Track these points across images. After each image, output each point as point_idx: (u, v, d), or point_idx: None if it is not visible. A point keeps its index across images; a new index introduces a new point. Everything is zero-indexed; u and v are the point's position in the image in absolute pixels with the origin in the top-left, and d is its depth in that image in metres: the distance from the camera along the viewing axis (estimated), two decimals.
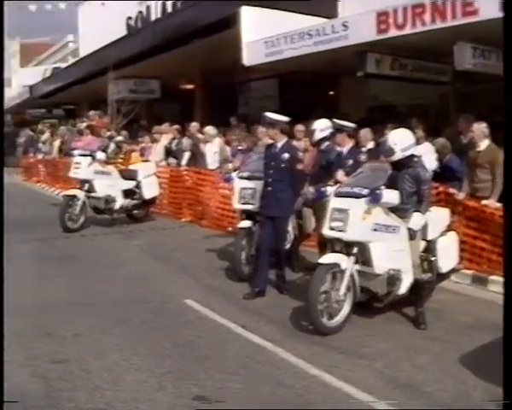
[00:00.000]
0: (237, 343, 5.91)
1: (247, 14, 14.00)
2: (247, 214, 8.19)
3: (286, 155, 7.48)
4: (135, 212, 12.83)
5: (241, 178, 8.37)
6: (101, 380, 5.06)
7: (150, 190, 12.70)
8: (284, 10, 14.13)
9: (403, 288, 6.35)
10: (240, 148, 11.74)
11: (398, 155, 6.41)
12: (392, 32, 10.77)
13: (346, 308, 6.20)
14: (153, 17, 22.62)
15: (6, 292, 7.70)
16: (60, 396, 4.78)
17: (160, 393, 4.81)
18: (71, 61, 35.36)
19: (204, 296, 7.39)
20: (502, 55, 4.29)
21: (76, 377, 5.14)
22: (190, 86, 21.76)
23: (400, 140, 6.46)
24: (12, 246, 10.71)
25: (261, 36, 13.67)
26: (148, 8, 23.86)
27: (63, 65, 36.28)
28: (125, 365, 5.37)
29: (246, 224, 8.12)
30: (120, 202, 12.29)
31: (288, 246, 8.04)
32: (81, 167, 12.15)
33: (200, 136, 13.24)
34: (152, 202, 12.99)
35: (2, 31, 4.78)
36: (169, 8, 21.43)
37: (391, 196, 6.18)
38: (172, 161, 14.04)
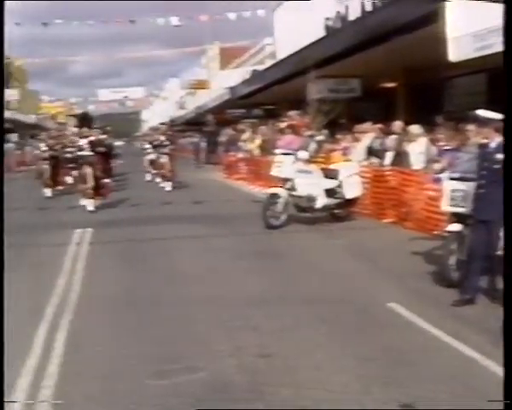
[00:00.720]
0: (445, 352, 5.63)
1: (452, 8, 13.47)
2: (458, 217, 7.82)
3: (500, 156, 7.03)
4: (336, 211, 12.76)
5: (452, 179, 8.01)
6: (307, 378, 5.04)
7: (352, 189, 12.61)
8: (492, 1, 13.39)
9: None
10: (447, 147, 11.26)
11: None
12: None
13: None
14: (351, 16, 22.56)
15: (212, 283, 8.09)
16: (265, 390, 4.83)
17: (367, 397, 4.68)
18: (268, 63, 36.28)
19: (410, 301, 7.13)
20: None
21: (281, 372, 5.16)
22: (392, 84, 21.41)
23: None
24: (215, 240, 11.26)
25: (467, 30, 13.07)
26: (346, 7, 23.86)
27: (261, 67, 37.38)
28: (331, 365, 5.30)
29: (456, 227, 7.74)
30: (322, 200, 12.26)
31: (500, 252, 7.55)
32: (283, 166, 12.36)
33: (404, 135, 12.95)
34: (354, 201, 12.86)
35: (2, 31, 4.89)
36: (368, 7, 21.25)
37: None
38: (374, 160, 13.84)
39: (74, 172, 20.15)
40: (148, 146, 25.61)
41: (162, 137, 22.31)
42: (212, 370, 5.23)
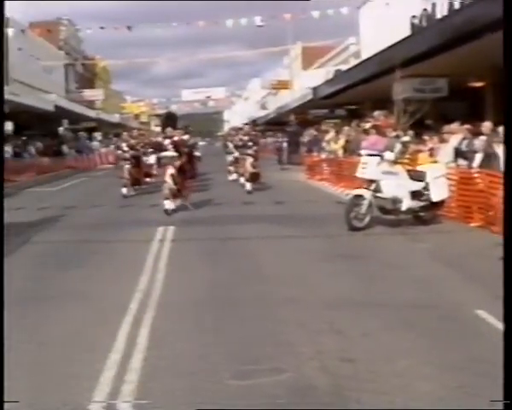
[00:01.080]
0: None
1: None
2: None
3: None
4: (421, 214, 12.46)
5: None
6: (390, 385, 4.91)
7: (439, 192, 12.31)
8: None
9: None
10: None
11: None
12: None
13: None
14: (438, 14, 22.12)
15: (294, 284, 8.03)
16: (347, 395, 4.74)
17: (450, 407, 4.54)
18: (352, 62, 36.00)
19: (498, 308, 6.87)
20: None
21: (364, 378, 5.06)
22: (480, 84, 20.82)
23: None
24: (297, 241, 11.21)
25: None
26: (433, 5, 23.41)
27: (344, 67, 37.12)
28: (416, 372, 5.16)
29: None
30: (407, 203, 11.99)
31: None
32: (369, 167, 12.14)
33: (493, 136, 12.54)
34: (440, 204, 12.54)
35: (2, 31, 4.88)
36: (456, 4, 20.75)
37: None
38: (462, 162, 13.47)
39: (156, 172, 20.63)
40: (231, 146, 25.27)
41: (246, 138, 21.84)
42: (295, 372, 5.18)
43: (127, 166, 20.53)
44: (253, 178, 20.40)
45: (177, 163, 15.71)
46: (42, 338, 6.25)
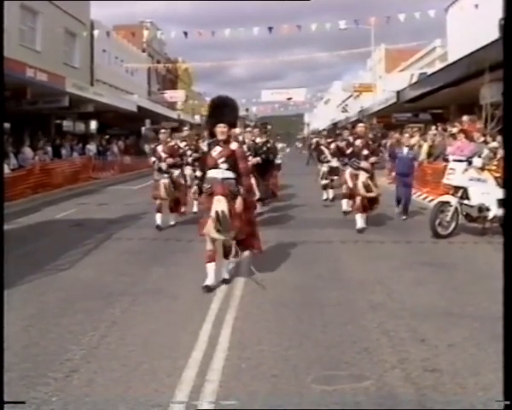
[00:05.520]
0: None
1: None
2: None
3: None
4: None
5: None
6: (476, 399, 4.76)
7: None
8: None
9: None
10: None
11: None
12: None
13: None
14: None
15: (377, 291, 7.88)
16: (431, 406, 4.63)
17: None
18: (438, 65, 35.26)
19: None
20: None
21: (449, 389, 4.92)
22: None
23: None
24: (380, 246, 11.03)
25: None
26: None
27: (429, 70, 36.43)
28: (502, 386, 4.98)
29: None
30: (495, 211, 11.58)
31: None
32: (456, 173, 11.88)
33: None
34: None
35: (1, 31, 4.81)
36: None
37: None
38: None
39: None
40: (327, 153, 18.85)
41: (359, 143, 13.12)
42: (377, 380, 5.10)
43: (165, 181, 13.52)
44: (369, 206, 13.20)
45: (232, 192, 8.26)
46: (123, 334, 6.35)
